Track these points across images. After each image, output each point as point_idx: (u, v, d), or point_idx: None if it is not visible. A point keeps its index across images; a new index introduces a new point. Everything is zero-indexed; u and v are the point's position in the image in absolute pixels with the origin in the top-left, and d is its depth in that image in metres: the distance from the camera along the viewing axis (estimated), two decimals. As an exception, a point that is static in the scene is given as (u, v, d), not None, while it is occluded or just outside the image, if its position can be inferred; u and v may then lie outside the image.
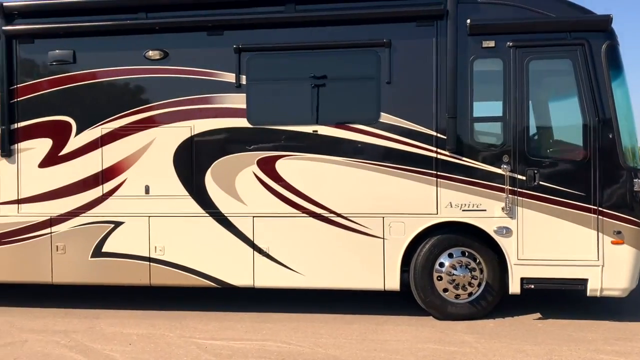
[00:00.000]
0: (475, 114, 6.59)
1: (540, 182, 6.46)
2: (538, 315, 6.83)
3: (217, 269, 7.04)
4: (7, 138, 7.32)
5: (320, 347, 5.74)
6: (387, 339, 5.99)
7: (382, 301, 7.32)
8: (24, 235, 7.35)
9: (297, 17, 6.86)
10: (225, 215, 7.00)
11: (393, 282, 6.73)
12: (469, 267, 6.64)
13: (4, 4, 7.24)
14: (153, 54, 7.09)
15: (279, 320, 6.74)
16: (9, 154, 7.34)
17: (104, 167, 7.19)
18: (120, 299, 7.73)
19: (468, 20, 6.51)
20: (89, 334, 6.31)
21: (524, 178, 6.48)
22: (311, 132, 6.85)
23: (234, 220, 6.99)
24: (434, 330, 6.32)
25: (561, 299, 7.41)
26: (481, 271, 6.68)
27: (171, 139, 7.08)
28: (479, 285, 6.69)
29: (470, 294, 6.70)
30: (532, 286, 6.52)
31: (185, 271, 7.08)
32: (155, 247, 7.12)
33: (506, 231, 6.52)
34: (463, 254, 6.71)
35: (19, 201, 7.37)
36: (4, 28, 7.25)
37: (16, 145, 7.36)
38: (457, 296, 6.70)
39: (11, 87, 7.33)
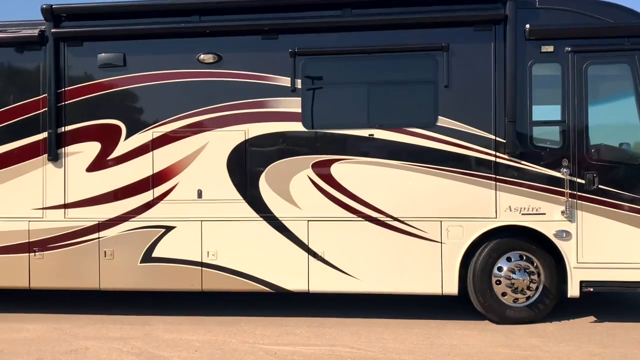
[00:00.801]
0: (534, 118, 6.63)
1: (600, 186, 6.49)
2: (593, 317, 6.86)
3: (271, 274, 6.97)
4: (54, 142, 7.20)
5: (391, 352, 5.70)
6: (455, 343, 5.96)
7: (429, 305, 7.30)
8: (70, 241, 7.23)
9: (354, 21, 6.86)
10: (280, 219, 6.94)
11: (451, 287, 6.71)
12: (528, 270, 6.64)
13: (54, 6, 7.15)
14: (206, 57, 7.04)
15: (336, 325, 6.68)
16: (55, 157, 7.22)
17: (154, 171, 7.11)
18: (158, 303, 7.66)
19: (527, 25, 6.55)
20: (148, 341, 6.20)
21: (584, 182, 6.51)
22: (367, 135, 6.83)
23: (289, 224, 6.93)
24: (496, 334, 6.30)
25: (601, 301, 7.45)
26: (538, 275, 6.69)
27: (224, 143, 7.02)
28: (537, 288, 6.70)
29: (527, 298, 6.70)
30: (592, 289, 6.54)
31: (239, 276, 7.00)
32: (208, 252, 7.04)
33: (566, 235, 6.54)
34: (521, 257, 6.72)
35: (65, 206, 7.24)
36: (52, 30, 7.16)
37: (63, 149, 7.24)
38: (515, 300, 6.69)
39: (59, 90, 7.24)
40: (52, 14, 7.17)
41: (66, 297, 7.94)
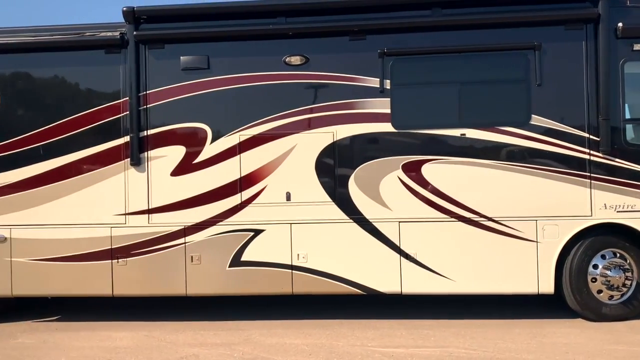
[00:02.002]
0: (628, 116, 6.67)
1: (695, 182, 6.56)
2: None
3: (363, 276, 6.92)
4: (136, 146, 7.10)
5: (508, 351, 5.69)
6: (566, 341, 5.96)
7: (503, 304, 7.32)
8: (155, 246, 7.13)
9: (444, 21, 6.84)
10: (370, 221, 6.90)
11: (547, 286, 6.70)
12: (623, 267, 6.67)
13: (136, 8, 7.04)
14: (294, 59, 6.97)
15: (433, 327, 6.65)
16: (137, 162, 7.11)
17: (242, 175, 7.04)
18: (229, 308, 7.61)
19: (620, 24, 6.56)
20: (252, 346, 6.12)
21: (678, 178, 6.57)
22: (459, 135, 6.81)
23: (379, 226, 6.90)
24: (600, 331, 6.31)
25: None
26: (632, 271, 6.72)
27: (313, 145, 6.97)
28: (631, 285, 6.73)
29: (622, 295, 6.73)
30: (685, 285, 6.61)
31: (330, 278, 6.94)
32: (298, 255, 6.98)
33: (661, 231, 6.59)
34: (614, 254, 6.75)
35: (149, 211, 7.15)
36: (135, 33, 7.06)
37: (146, 153, 7.15)
38: (610, 297, 6.72)
39: (140, 94, 7.15)
40: (133, 17, 7.07)
41: (128, 304, 7.88)
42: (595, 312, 6.71)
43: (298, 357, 5.68)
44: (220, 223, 7.07)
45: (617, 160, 6.62)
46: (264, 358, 5.69)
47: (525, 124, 6.74)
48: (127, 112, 7.13)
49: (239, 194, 7.05)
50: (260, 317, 7.25)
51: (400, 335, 6.37)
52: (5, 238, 7.23)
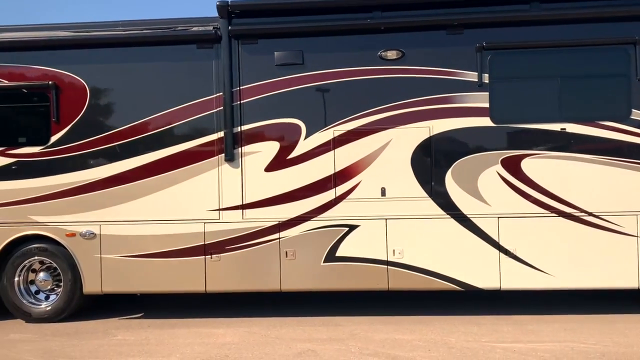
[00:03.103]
0: None
1: None
2: None
3: (461, 272, 6.88)
4: (230, 142, 7.07)
5: (632, 346, 5.65)
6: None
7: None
8: (249, 242, 7.09)
9: (543, 15, 6.81)
10: (468, 216, 6.87)
11: (648, 280, 6.71)
12: None
13: (230, 2, 6.99)
14: (390, 53, 6.95)
15: (537, 322, 6.63)
16: (231, 158, 7.08)
17: (336, 170, 7.00)
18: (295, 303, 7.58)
19: None
20: (363, 341, 6.05)
21: None
22: (559, 130, 6.79)
23: (477, 221, 6.86)
24: None
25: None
26: None
27: (408, 139, 6.93)
28: None
29: None
30: None
31: (426, 274, 6.90)
32: (394, 251, 6.94)
33: None
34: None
35: (243, 206, 7.11)
36: (229, 28, 7.02)
37: (239, 149, 7.11)
38: None
39: (234, 89, 7.11)
40: (227, 11, 7.03)
41: (197, 301, 7.87)
42: (698, 307, 6.72)
43: (419, 353, 5.63)
44: (315, 218, 7.03)
45: None
46: (387, 354, 5.62)
47: (625, 119, 6.71)
48: (220, 108, 7.09)
49: (333, 189, 7.02)
50: (345, 313, 7.23)
51: (508, 331, 6.34)
52: (95, 234, 7.19)
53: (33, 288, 7.49)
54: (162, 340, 6.36)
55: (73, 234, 7.20)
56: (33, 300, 7.42)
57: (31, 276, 7.47)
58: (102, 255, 7.17)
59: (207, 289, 7.12)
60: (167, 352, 5.91)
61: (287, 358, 5.59)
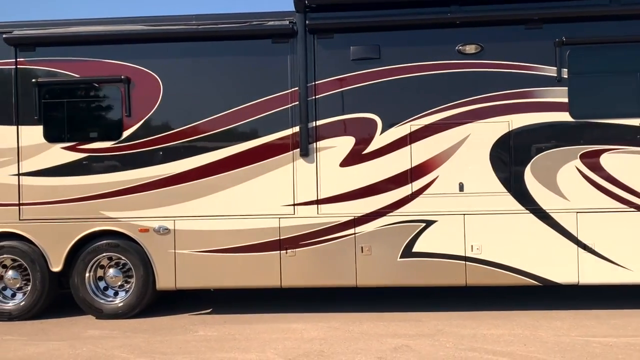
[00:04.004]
0: None
1: None
2: None
3: (539, 267, 6.87)
4: (305, 137, 7.03)
5: None
6: None
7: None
8: (325, 237, 7.05)
9: (623, 10, 6.78)
10: (546, 211, 6.85)
11: None
12: None
13: (307, -3, 6.97)
14: (468, 48, 6.92)
15: (617, 317, 6.62)
16: (306, 153, 7.04)
17: (412, 165, 6.98)
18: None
19: None
20: (452, 337, 6.03)
21: None
22: (638, 125, 6.77)
23: (556, 217, 6.84)
24: None
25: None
26: None
27: (487, 134, 6.91)
28: None
29: None
30: None
31: (505, 270, 6.88)
32: (472, 246, 6.92)
33: None
34: None
35: (318, 201, 7.08)
36: (307, 22, 6.97)
37: (314, 144, 7.07)
38: None
39: (309, 84, 7.07)
40: (304, 6, 6.99)
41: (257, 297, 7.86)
42: None
43: (516, 347, 5.61)
44: (391, 214, 7.01)
45: None
46: (485, 349, 5.60)
47: None
48: (295, 103, 7.05)
49: (410, 185, 6.99)
50: (420, 308, 7.21)
51: (592, 325, 6.34)
52: (169, 230, 7.14)
53: (102, 284, 7.46)
54: (247, 335, 6.33)
55: (146, 230, 7.15)
56: (104, 297, 7.38)
57: (99, 272, 7.44)
58: (176, 251, 7.13)
59: (282, 284, 7.09)
60: (259, 347, 5.87)
61: (383, 353, 5.57)
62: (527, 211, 6.87)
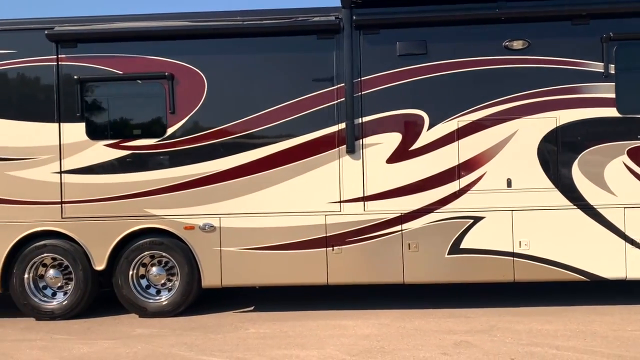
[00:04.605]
0: None
1: None
2: None
3: (586, 262, 6.87)
4: (351, 133, 7.00)
5: None
6: None
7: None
8: (371, 234, 7.03)
9: (671, 5, 6.84)
10: (594, 206, 6.86)
11: None
12: None
13: (353, -7, 6.93)
14: (515, 43, 6.91)
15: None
16: (353, 149, 7.01)
17: (460, 161, 6.96)
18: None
19: None
20: (511, 333, 6.01)
21: None
22: (686, 120, 6.81)
23: (603, 212, 6.85)
24: None
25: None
26: None
27: (534, 130, 6.91)
28: None
29: None
30: None
31: (552, 265, 6.88)
32: (520, 242, 6.91)
33: None
34: None
35: (364, 198, 7.05)
36: (354, 18, 6.94)
37: (360, 140, 7.05)
38: None
39: (355, 80, 7.03)
40: (350, 1, 6.95)
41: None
42: None
43: (577, 342, 5.61)
44: (438, 210, 6.99)
45: None
46: (547, 344, 5.59)
47: None
48: (341, 99, 7.02)
49: (457, 181, 6.98)
50: (465, 305, 7.20)
51: (641, 320, 6.39)
52: (215, 227, 7.10)
53: (144, 282, 7.40)
54: (299, 332, 6.30)
55: (192, 227, 7.10)
56: (147, 295, 7.32)
57: (141, 271, 7.38)
58: (222, 248, 7.09)
59: (329, 281, 7.06)
60: (317, 344, 5.85)
61: (445, 349, 5.56)
62: (575, 207, 6.88)
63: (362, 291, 7.95)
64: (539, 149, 6.91)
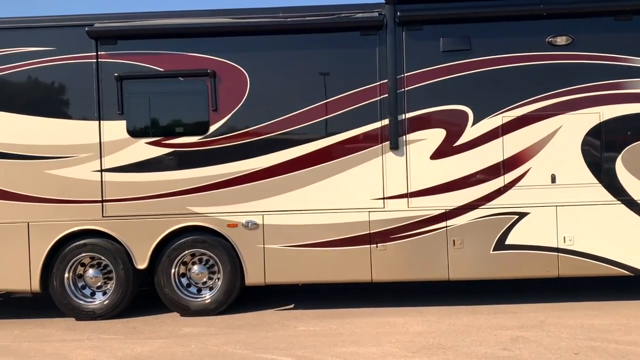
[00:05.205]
0: None
1: None
2: None
3: (631, 257, 6.90)
4: (395, 130, 6.98)
5: None
6: None
7: None
8: (415, 230, 7.01)
9: None
10: (638, 201, 6.88)
11: None
12: None
13: (396, -12, 6.91)
14: (559, 39, 6.92)
15: None
16: (396, 146, 7.00)
17: (505, 157, 6.96)
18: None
19: None
20: (560, 327, 6.03)
21: None
22: None
23: (647, 207, 6.91)
24: None
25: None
26: None
27: (578, 126, 6.92)
28: None
29: None
30: None
31: (597, 260, 6.90)
32: (564, 238, 6.92)
33: None
34: None
35: (408, 195, 7.04)
36: (398, 14, 6.93)
37: (404, 136, 7.03)
38: None
39: (398, 76, 7.02)
40: (394, -3, 6.95)
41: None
42: None
43: (634, 337, 5.63)
44: (483, 206, 6.99)
45: None
46: (605, 339, 5.61)
47: None
48: (384, 96, 7.00)
49: (502, 177, 6.98)
50: (506, 301, 7.20)
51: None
52: (258, 225, 7.06)
53: (184, 281, 7.35)
54: (350, 330, 6.27)
55: (235, 225, 7.06)
56: (189, 294, 7.27)
57: (182, 269, 7.33)
58: (265, 246, 7.05)
59: (373, 278, 7.05)
60: (373, 341, 5.83)
61: (504, 344, 5.56)
62: (619, 202, 6.90)
63: (395, 288, 7.94)
64: (582, 144, 6.92)
